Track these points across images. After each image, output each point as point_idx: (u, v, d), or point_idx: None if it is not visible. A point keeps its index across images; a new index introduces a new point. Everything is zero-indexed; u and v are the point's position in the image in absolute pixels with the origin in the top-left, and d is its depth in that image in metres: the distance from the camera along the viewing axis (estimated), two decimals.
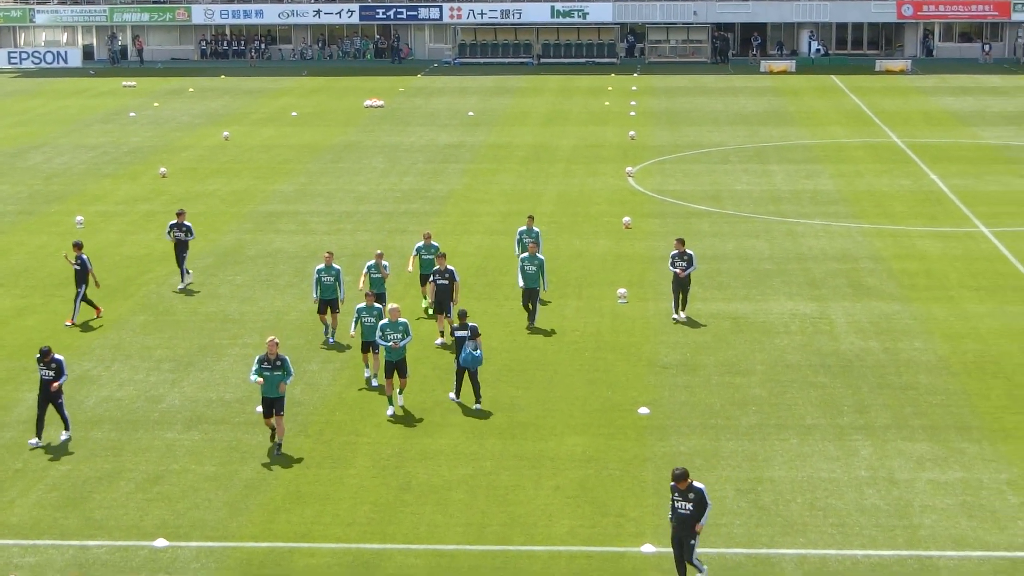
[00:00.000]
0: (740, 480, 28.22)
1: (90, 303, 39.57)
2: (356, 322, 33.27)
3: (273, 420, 29.53)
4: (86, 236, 49.58)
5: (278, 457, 29.25)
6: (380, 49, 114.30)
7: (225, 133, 72.78)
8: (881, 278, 43.37)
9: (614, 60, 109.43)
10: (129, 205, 55.45)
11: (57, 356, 30.28)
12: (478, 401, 32.16)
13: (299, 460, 29.44)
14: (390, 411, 31.91)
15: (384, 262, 37.39)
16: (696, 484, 23.52)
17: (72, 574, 24.36)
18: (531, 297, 38.05)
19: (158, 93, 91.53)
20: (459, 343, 32.27)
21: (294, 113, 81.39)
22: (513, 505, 27.14)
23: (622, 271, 44.12)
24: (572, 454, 29.60)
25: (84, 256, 39.43)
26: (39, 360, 30.12)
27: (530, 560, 24.99)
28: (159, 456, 29.70)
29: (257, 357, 29.65)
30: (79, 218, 52.04)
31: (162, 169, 62.16)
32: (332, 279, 36.75)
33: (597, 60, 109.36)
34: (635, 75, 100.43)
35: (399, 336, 31.50)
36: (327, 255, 37.18)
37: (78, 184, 60.25)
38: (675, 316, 38.68)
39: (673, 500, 23.48)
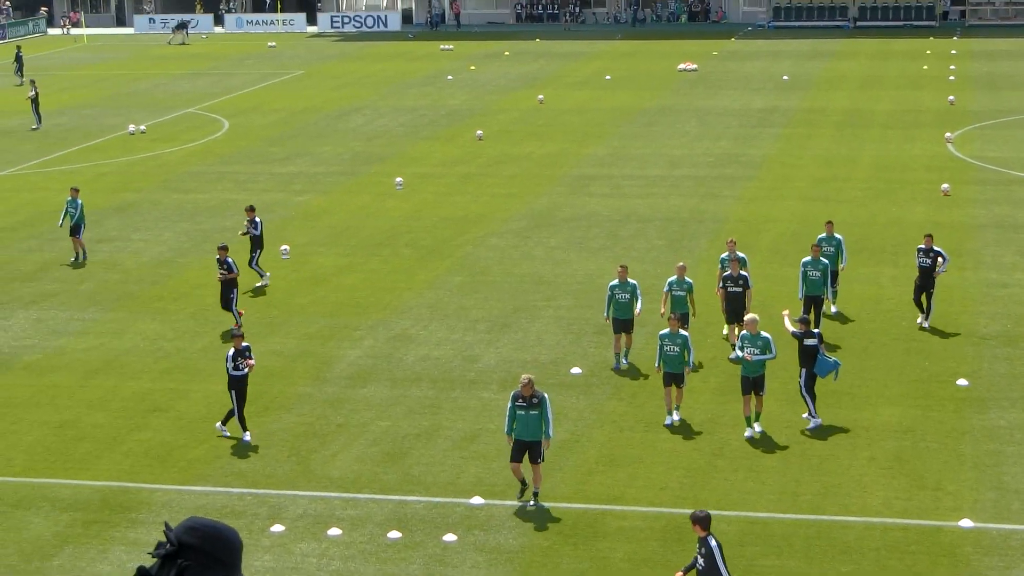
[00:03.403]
0: None
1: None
2: (660, 353, 29.41)
3: (523, 467, 25.85)
4: (405, 197, 50.69)
5: (533, 507, 25.89)
6: (694, 13, 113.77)
7: (540, 96, 73.39)
8: None
9: (932, 23, 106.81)
10: (447, 167, 56.40)
11: (245, 343, 29.26)
12: (813, 415, 29.25)
13: (612, 423, 29.66)
14: (748, 433, 28.74)
15: (687, 278, 33.07)
16: (712, 540, 20.28)
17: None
18: (814, 304, 34.08)
19: (474, 56, 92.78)
20: (806, 354, 28.95)
21: (607, 76, 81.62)
22: (827, 474, 26.90)
23: (940, 239, 42.91)
24: (888, 424, 29.18)
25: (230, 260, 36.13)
26: (236, 353, 29.00)
27: (844, 531, 24.76)
28: (475, 415, 30.23)
29: (512, 394, 26.04)
30: (398, 179, 53.13)
31: (478, 132, 63.02)
32: (627, 296, 32.30)
33: (915, 23, 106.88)
34: (954, 38, 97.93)
35: (757, 350, 28.58)
36: (621, 269, 32.91)
37: (397, 146, 61.53)
38: (920, 322, 35.33)
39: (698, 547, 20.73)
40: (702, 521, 20.40)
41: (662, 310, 32.61)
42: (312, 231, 46.47)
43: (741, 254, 34.55)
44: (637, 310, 32.47)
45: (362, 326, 36.49)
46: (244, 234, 40.09)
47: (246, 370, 29.00)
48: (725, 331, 34.22)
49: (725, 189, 51.08)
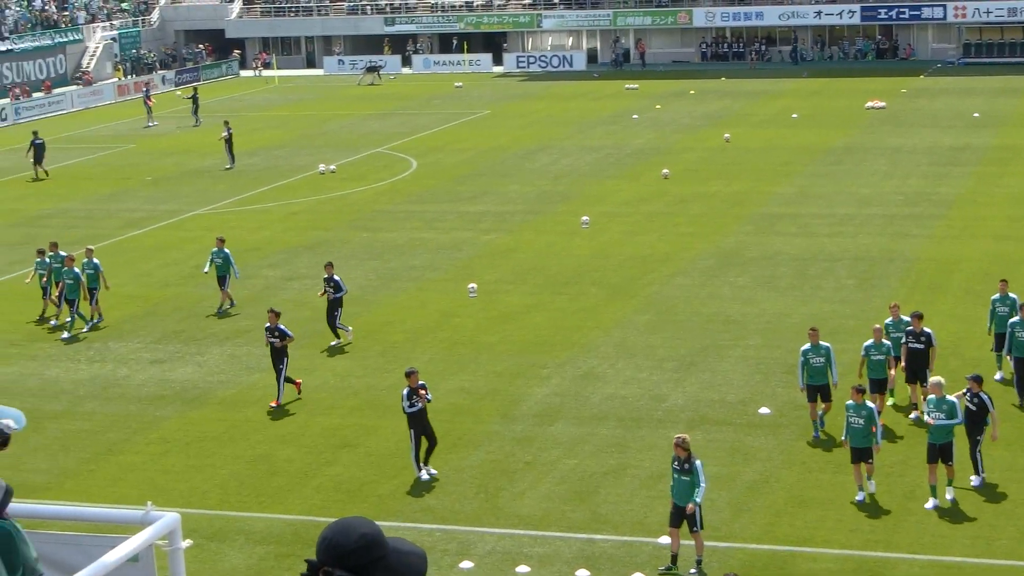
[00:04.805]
0: None
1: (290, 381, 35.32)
2: (847, 427, 27.58)
3: (679, 533, 24.99)
4: (591, 236, 50.78)
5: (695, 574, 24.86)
6: (882, 50, 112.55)
7: (726, 135, 73.09)
8: None
9: None
10: (632, 206, 56.41)
11: (421, 381, 29.40)
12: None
13: (801, 464, 29.39)
14: (931, 504, 27.01)
15: (885, 340, 31.17)
16: None
17: None
18: (1020, 367, 32.24)
19: (660, 95, 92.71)
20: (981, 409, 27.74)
21: (794, 115, 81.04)
22: (1023, 520, 26.37)
23: None
24: None
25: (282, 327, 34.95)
26: (411, 391, 28.98)
27: None
28: (662, 454, 30.04)
29: (673, 455, 25.12)
30: (585, 218, 53.26)
31: (664, 170, 62.90)
32: (822, 360, 30.33)
33: None
34: None
35: (943, 415, 27.01)
36: (812, 332, 30.95)
37: (582, 185, 61.66)
38: None
39: None
40: None
41: (859, 375, 30.85)
42: (499, 269, 46.78)
43: (905, 317, 32.30)
44: (834, 380, 30.56)
45: (549, 364, 36.62)
46: (322, 294, 39.71)
47: (420, 405, 29.13)
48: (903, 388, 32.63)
49: (915, 228, 50.40)
